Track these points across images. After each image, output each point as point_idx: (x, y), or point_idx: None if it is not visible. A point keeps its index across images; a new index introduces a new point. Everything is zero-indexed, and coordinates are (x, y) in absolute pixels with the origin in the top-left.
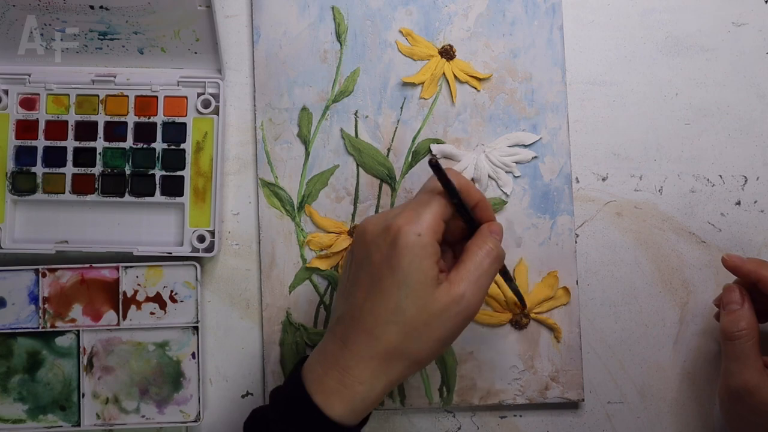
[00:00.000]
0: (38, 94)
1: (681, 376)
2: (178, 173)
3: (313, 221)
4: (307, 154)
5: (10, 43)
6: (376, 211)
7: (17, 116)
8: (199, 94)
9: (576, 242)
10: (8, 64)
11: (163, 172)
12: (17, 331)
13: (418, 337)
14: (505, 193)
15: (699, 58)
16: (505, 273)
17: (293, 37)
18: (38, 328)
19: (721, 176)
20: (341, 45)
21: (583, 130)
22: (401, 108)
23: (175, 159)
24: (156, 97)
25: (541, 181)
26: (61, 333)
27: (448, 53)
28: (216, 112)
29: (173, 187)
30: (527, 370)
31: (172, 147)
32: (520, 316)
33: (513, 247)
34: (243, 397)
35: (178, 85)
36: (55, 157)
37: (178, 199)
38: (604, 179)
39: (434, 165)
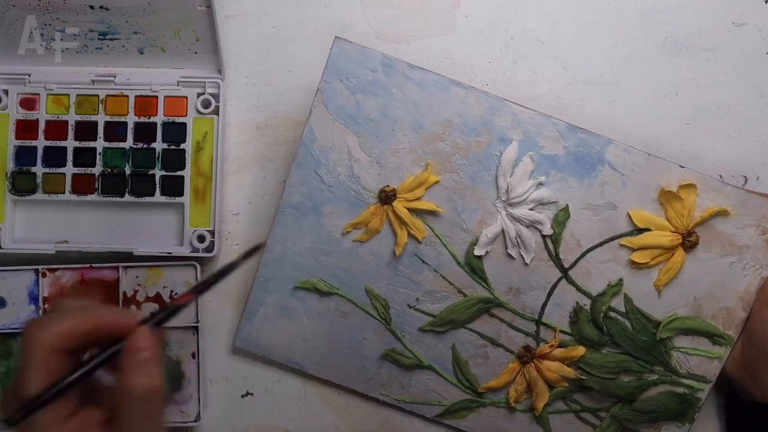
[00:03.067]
0: (38, 94)
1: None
2: (178, 173)
3: (496, 389)
4: (430, 367)
5: (10, 43)
6: (516, 329)
7: (17, 116)
8: (199, 94)
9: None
10: (8, 64)
11: (163, 172)
12: (17, 331)
13: None
14: (556, 202)
15: (699, 58)
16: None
17: (311, 333)
18: None
19: (721, 176)
20: (336, 293)
21: None
22: (424, 263)
23: (175, 159)
24: (156, 97)
25: (561, 158)
26: None
27: (388, 196)
28: (216, 112)
29: (173, 187)
30: (742, 253)
31: (172, 147)
32: (686, 241)
33: (613, 215)
34: (243, 397)
35: (178, 85)
36: (55, 157)
37: (178, 199)
38: None
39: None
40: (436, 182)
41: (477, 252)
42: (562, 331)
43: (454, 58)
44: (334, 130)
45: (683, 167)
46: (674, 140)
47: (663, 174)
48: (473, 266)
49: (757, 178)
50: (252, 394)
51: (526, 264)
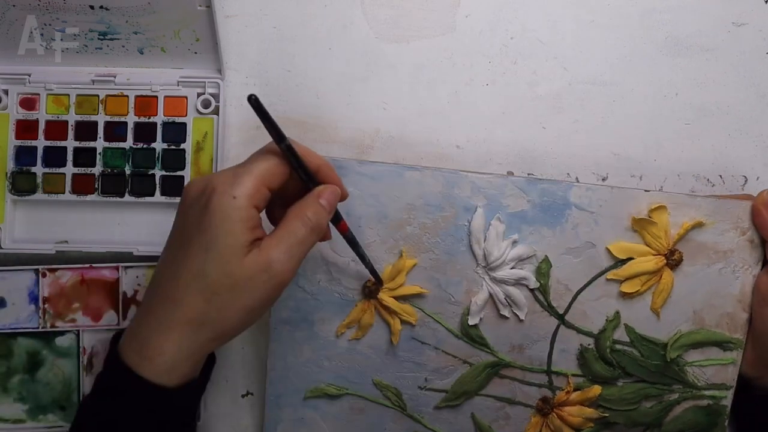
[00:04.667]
0: (38, 94)
1: None
2: (178, 173)
3: None
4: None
5: (10, 43)
6: (529, 383)
7: (17, 116)
8: (199, 94)
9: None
10: (8, 64)
11: (163, 172)
12: (17, 331)
13: (222, 304)
14: (534, 255)
15: (699, 58)
16: (354, 245)
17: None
18: (38, 328)
19: (721, 176)
20: (350, 395)
21: (583, 130)
22: (423, 343)
23: (175, 159)
24: (156, 97)
25: (528, 212)
26: (61, 333)
27: (371, 291)
28: (216, 112)
29: (173, 187)
30: (728, 258)
31: (172, 147)
32: (670, 260)
33: (593, 253)
34: (243, 396)
35: (178, 85)
36: (55, 157)
37: (178, 199)
38: (604, 179)
39: (253, 103)
40: (414, 265)
41: (471, 321)
42: (574, 375)
43: (454, 58)
44: None
45: (648, 191)
46: (674, 140)
47: (630, 202)
48: (471, 335)
49: (757, 178)
50: (252, 394)
51: (522, 320)
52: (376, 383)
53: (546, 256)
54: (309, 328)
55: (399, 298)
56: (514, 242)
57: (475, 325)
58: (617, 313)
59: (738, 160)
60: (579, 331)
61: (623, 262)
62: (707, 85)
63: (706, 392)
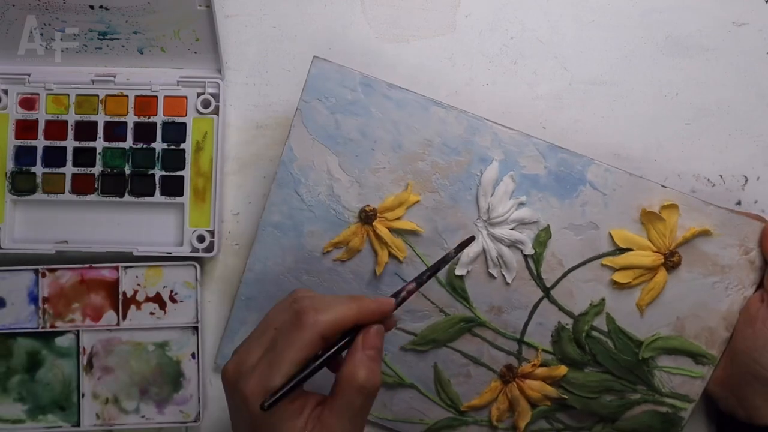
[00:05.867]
0: (38, 94)
1: None
2: (178, 173)
3: (479, 408)
4: (412, 385)
5: (10, 43)
6: (498, 348)
7: (17, 116)
8: (198, 94)
9: None
10: (8, 64)
11: (163, 172)
12: (17, 331)
13: None
14: (537, 221)
15: (699, 58)
16: (429, 271)
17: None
18: (38, 328)
19: (721, 176)
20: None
21: (584, 130)
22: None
23: (174, 159)
24: (156, 97)
25: (542, 177)
26: (61, 333)
27: (368, 216)
28: (216, 112)
29: (173, 187)
30: (725, 273)
31: (172, 147)
32: (668, 260)
33: (594, 234)
34: None
35: (177, 85)
36: (54, 157)
37: (177, 199)
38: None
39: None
40: (417, 202)
41: (458, 272)
42: (544, 350)
43: (455, 58)
44: (314, 150)
45: (665, 187)
46: (674, 140)
47: (645, 194)
48: (454, 285)
49: (758, 178)
50: None
51: (508, 283)
52: None
53: (548, 225)
54: (297, 238)
55: (393, 231)
56: (521, 204)
57: (461, 277)
58: (603, 300)
59: (738, 160)
60: (561, 308)
61: (622, 251)
62: (707, 85)
63: (668, 400)
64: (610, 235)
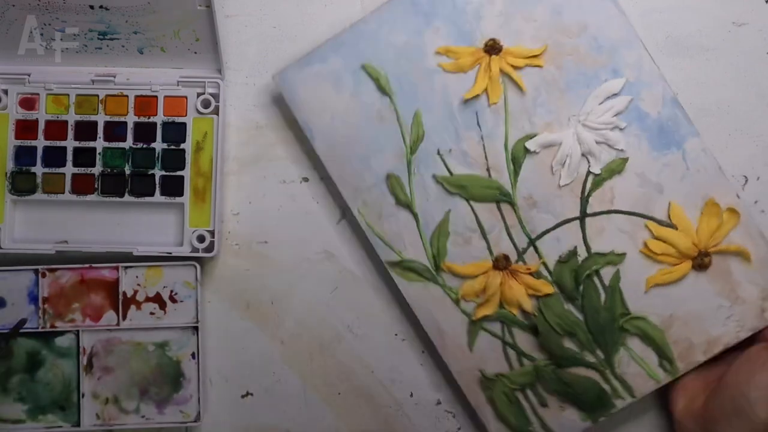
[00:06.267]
0: (38, 94)
1: None
2: (178, 173)
3: (457, 274)
4: (415, 215)
5: (10, 43)
6: (509, 234)
7: (17, 116)
8: (198, 94)
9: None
10: (8, 64)
11: (163, 172)
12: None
13: None
14: (621, 150)
15: (699, 58)
16: None
17: (343, 114)
18: (38, 328)
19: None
20: (390, 96)
21: None
22: (478, 124)
23: (175, 159)
24: (156, 97)
25: (650, 119)
26: (61, 333)
27: (494, 48)
28: (216, 112)
29: (173, 187)
30: (735, 304)
31: (172, 147)
32: (699, 258)
33: (657, 195)
34: (243, 397)
35: (177, 85)
36: (54, 157)
37: (178, 199)
38: None
39: None
40: (538, 65)
41: (529, 145)
42: (544, 264)
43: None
44: None
45: (739, 197)
46: None
47: (720, 190)
48: (515, 155)
49: (758, 178)
50: (252, 394)
51: (559, 186)
52: (416, 114)
53: (627, 159)
54: (419, 26)
55: (503, 74)
56: (617, 127)
57: (526, 152)
58: (624, 255)
59: (738, 160)
60: (585, 237)
61: (669, 225)
62: (707, 85)
63: (614, 382)
64: (669, 204)
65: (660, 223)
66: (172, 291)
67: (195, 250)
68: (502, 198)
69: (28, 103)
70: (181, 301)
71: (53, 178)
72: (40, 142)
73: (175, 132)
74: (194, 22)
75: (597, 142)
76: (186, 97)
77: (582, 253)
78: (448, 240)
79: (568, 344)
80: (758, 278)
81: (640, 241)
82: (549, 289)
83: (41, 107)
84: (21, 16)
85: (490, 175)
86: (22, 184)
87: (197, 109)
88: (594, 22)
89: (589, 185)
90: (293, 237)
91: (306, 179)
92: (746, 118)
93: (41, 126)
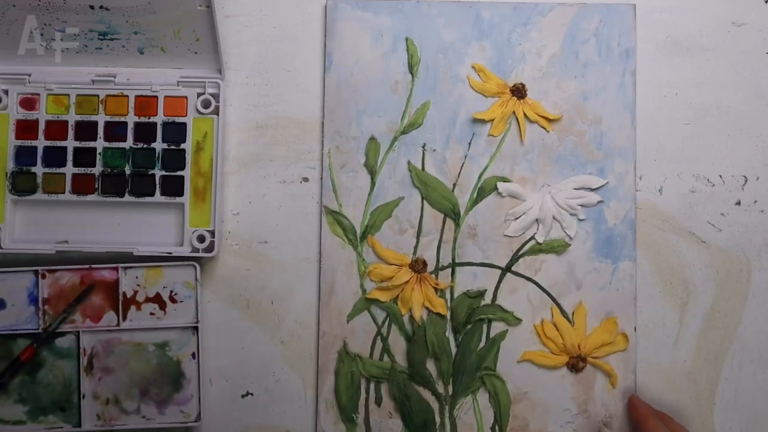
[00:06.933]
0: (38, 94)
1: (681, 376)
2: (178, 173)
3: (376, 252)
4: (373, 184)
5: (10, 43)
6: (439, 246)
7: (17, 116)
8: (199, 94)
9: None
10: (8, 64)
11: (163, 172)
12: (17, 332)
13: None
14: (569, 236)
15: (699, 58)
16: None
17: (365, 66)
18: (38, 329)
19: (721, 176)
20: (413, 77)
21: None
22: (469, 144)
23: (175, 159)
24: (156, 97)
25: (605, 226)
26: (61, 334)
27: (519, 92)
28: (216, 112)
29: (173, 187)
30: (581, 413)
31: (172, 147)
32: (576, 359)
33: (573, 289)
34: (243, 397)
35: (178, 85)
36: (55, 157)
37: (178, 199)
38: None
39: None
40: (545, 128)
41: (500, 186)
42: (451, 287)
43: None
44: None
45: (636, 332)
46: (674, 140)
47: (625, 316)
48: (484, 187)
49: (757, 178)
50: (252, 394)
51: (503, 234)
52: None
53: (567, 245)
54: None
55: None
56: (576, 215)
57: (496, 189)
58: (521, 321)
59: (738, 160)
60: (498, 288)
61: (567, 318)
62: (707, 85)
63: (446, 419)
64: (579, 303)
65: (563, 313)
66: (171, 291)
67: (195, 250)
68: (451, 214)
69: (28, 103)
70: (181, 302)
71: (53, 178)
72: (41, 142)
73: (175, 132)
74: (194, 22)
75: (554, 218)
76: (186, 97)
77: (487, 299)
78: (387, 221)
79: (430, 366)
80: (611, 404)
81: (539, 317)
82: (443, 310)
83: (41, 107)
84: (21, 16)
85: (453, 190)
86: (22, 184)
87: (197, 109)
88: (608, 122)
89: (526, 248)
90: (293, 237)
91: (306, 179)
92: (746, 118)
93: (41, 126)
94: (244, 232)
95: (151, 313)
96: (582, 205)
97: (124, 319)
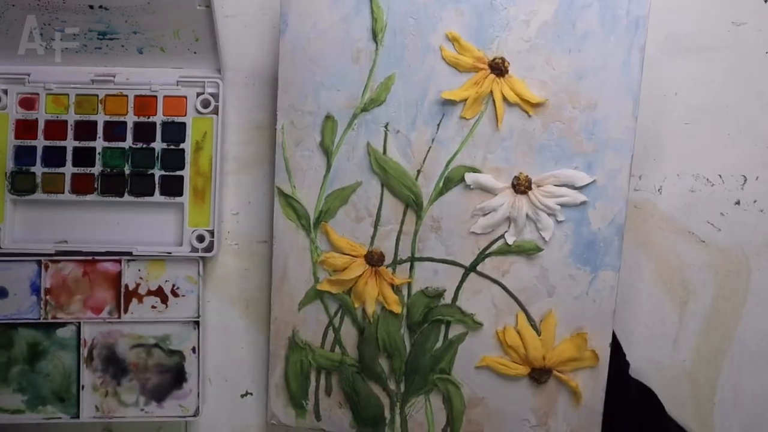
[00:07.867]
0: (38, 94)
1: (680, 376)
2: (178, 173)
3: (329, 240)
4: (329, 166)
5: (10, 43)
6: (398, 238)
7: (17, 116)
8: (198, 94)
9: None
10: (8, 64)
11: (163, 172)
12: (18, 321)
13: None
14: (543, 239)
15: (699, 58)
16: None
17: (323, 31)
18: (39, 319)
19: (720, 176)
20: (377, 45)
21: None
22: (438, 126)
23: (174, 159)
24: (155, 96)
25: (587, 229)
26: (62, 324)
27: (499, 68)
28: (215, 111)
29: (173, 187)
30: (540, 426)
31: (172, 147)
32: (539, 372)
33: (544, 296)
34: (242, 396)
35: (177, 85)
36: (54, 157)
37: (177, 199)
38: None
39: None
40: (527, 112)
41: (468, 177)
42: (409, 284)
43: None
44: None
45: (609, 350)
46: (674, 140)
47: (597, 331)
48: (450, 177)
49: (757, 178)
50: (252, 394)
51: (469, 230)
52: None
53: (540, 248)
54: None
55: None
56: (554, 215)
57: (464, 180)
58: (482, 326)
59: (738, 160)
60: (459, 288)
61: (534, 326)
62: (707, 85)
63: (397, 416)
64: (549, 312)
65: (529, 320)
66: (174, 285)
67: (194, 249)
68: (413, 204)
69: (27, 103)
70: (183, 296)
71: (53, 177)
72: (40, 142)
73: (175, 132)
74: (194, 22)
75: (527, 216)
76: (185, 97)
77: (447, 299)
78: (343, 207)
79: (382, 362)
80: (573, 421)
81: (502, 323)
82: (397, 308)
83: (41, 107)
84: (21, 16)
85: (416, 178)
86: (22, 184)
87: (197, 109)
88: (605, 108)
89: (494, 247)
90: None
91: None
92: (746, 118)
93: (41, 126)
94: (244, 231)
95: (153, 307)
96: (562, 205)
97: (126, 311)
